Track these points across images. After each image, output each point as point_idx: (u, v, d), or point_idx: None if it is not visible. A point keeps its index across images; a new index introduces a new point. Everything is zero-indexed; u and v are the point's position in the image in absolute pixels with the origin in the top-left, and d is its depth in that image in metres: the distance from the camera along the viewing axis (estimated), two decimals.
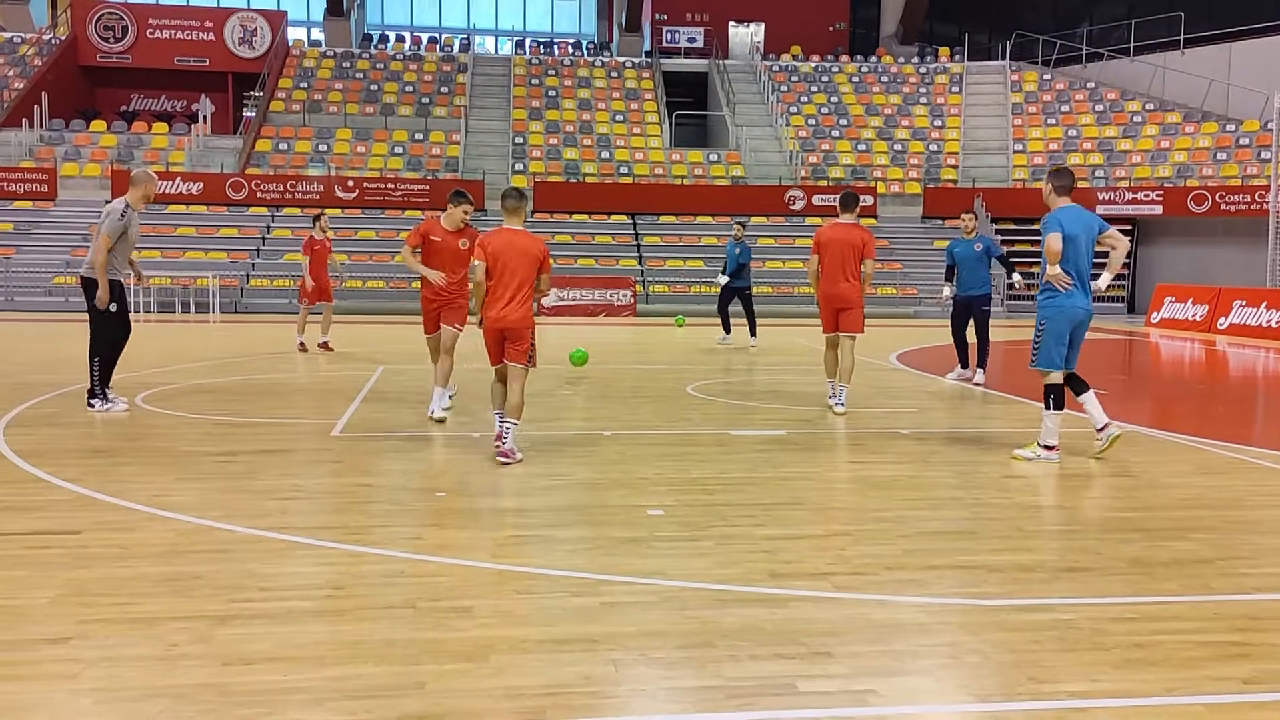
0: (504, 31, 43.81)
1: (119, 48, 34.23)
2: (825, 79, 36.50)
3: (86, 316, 9.13)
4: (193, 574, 4.66)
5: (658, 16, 39.49)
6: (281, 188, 28.82)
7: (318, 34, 39.88)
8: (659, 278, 27.40)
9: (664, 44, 38.87)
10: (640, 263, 28.06)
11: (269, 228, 28.21)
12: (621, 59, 37.88)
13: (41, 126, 30.68)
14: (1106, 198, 29.13)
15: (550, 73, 36.02)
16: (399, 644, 3.88)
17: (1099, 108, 33.48)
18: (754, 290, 17.47)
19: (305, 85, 33.97)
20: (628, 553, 5.10)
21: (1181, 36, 31.96)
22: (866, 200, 29.55)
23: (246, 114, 33.98)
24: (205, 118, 32.16)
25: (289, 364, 13.52)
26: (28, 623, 4.05)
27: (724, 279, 16.72)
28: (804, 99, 35.40)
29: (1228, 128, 30.34)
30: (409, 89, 34.41)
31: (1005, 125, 33.95)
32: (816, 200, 29.85)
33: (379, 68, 35.53)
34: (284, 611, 4.22)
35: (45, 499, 6.04)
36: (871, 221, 29.24)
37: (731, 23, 39.64)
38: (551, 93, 34.90)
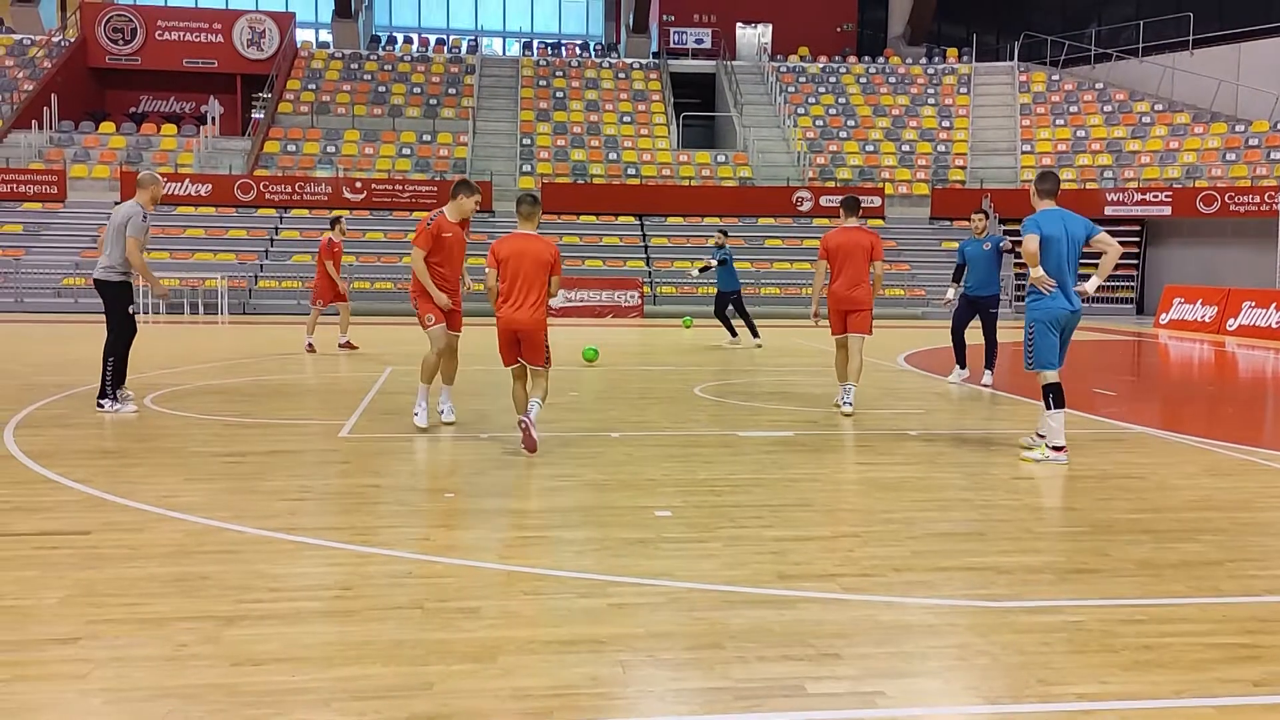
0: (511, 33, 43.84)
1: (128, 49, 34.32)
2: (833, 80, 36.43)
3: (97, 318, 9.21)
4: (201, 574, 4.67)
5: (665, 18, 39.50)
6: (290, 189, 28.89)
7: (326, 35, 39.99)
8: (666, 279, 27.40)
9: (671, 45, 38.88)
10: (648, 264, 28.05)
11: (277, 229, 28.28)
12: (629, 60, 37.88)
13: (51, 128, 30.81)
14: (1115, 199, 29.05)
15: (558, 74, 36.04)
16: (407, 644, 3.88)
17: (1107, 108, 33.35)
18: (761, 291, 17.77)
19: (313, 87, 34.04)
20: (635, 554, 5.10)
21: (1191, 37, 31.86)
22: (873, 201, 29.52)
23: (255, 115, 34.02)
24: (214, 119, 32.22)
25: (297, 365, 13.55)
26: (37, 623, 4.06)
27: (696, 272, 19.17)
28: (811, 100, 35.34)
29: (1237, 128, 30.21)
30: (417, 90, 34.46)
31: (1013, 126, 33.86)
32: (824, 201, 29.77)
33: (387, 69, 35.57)
34: (292, 612, 4.23)
35: (55, 500, 6.06)
36: (879, 222, 29.20)
37: (739, 24, 39.60)
38: (559, 94, 34.91)
